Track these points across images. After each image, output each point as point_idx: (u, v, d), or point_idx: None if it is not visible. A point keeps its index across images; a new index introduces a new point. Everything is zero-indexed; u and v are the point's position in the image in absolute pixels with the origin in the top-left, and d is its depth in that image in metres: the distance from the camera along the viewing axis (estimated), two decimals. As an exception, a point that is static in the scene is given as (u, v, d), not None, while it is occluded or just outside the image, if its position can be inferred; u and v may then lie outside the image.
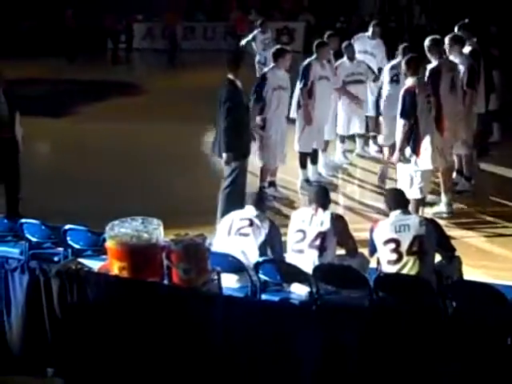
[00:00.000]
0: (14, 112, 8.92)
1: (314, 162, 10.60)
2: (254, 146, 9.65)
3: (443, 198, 9.16)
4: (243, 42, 16.94)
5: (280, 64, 9.71)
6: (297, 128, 10.29)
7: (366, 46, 12.12)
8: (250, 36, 16.62)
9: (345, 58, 11.26)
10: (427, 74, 9.04)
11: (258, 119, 9.59)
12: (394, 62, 10.59)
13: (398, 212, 6.27)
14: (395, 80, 10.19)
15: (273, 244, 6.59)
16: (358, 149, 11.87)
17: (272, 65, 9.86)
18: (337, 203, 9.63)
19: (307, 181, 10.31)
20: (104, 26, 24.45)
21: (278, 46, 10.33)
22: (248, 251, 6.50)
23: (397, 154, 8.57)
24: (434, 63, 9.12)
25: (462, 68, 9.46)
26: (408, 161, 8.53)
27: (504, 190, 10.01)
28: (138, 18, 26.20)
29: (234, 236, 6.62)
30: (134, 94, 18.33)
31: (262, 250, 6.56)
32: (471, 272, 6.59)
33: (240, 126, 8.63)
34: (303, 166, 10.39)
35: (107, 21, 24.27)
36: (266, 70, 9.92)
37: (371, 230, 6.30)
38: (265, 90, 9.59)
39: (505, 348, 5.25)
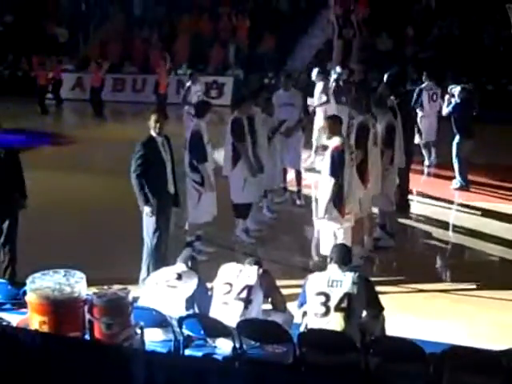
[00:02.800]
0: None
1: (247, 215, 10.58)
2: (189, 202, 9.67)
3: (355, 250, 9.25)
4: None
5: (204, 117, 9.79)
6: (235, 181, 10.32)
7: (284, 99, 12.31)
8: (186, 86, 16.65)
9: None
10: (355, 128, 9.24)
11: (197, 177, 9.61)
12: None
13: (335, 266, 6.34)
14: None
15: (200, 300, 6.62)
16: (283, 201, 11.95)
17: (196, 119, 9.85)
18: (265, 257, 9.69)
19: (247, 231, 10.36)
20: (33, 75, 24.20)
21: (201, 100, 10.36)
22: (174, 304, 6.49)
23: (323, 210, 8.68)
24: (360, 117, 9.32)
25: (379, 126, 9.69)
26: (333, 218, 8.65)
27: (424, 246, 10.21)
28: (67, 69, 26.06)
29: (162, 287, 6.61)
30: (62, 143, 18.14)
31: (189, 304, 6.57)
32: (394, 327, 6.66)
33: (157, 178, 8.62)
34: (244, 216, 10.41)
35: (36, 71, 24.04)
36: (193, 126, 9.81)
37: (306, 280, 6.35)
38: (204, 146, 9.58)
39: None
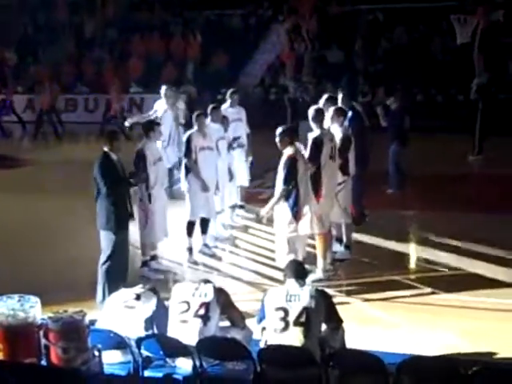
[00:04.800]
0: None
1: (204, 231, 10.60)
2: (138, 222, 9.61)
3: (319, 264, 9.31)
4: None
5: (152, 137, 9.75)
6: (186, 198, 10.34)
7: (233, 115, 12.30)
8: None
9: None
10: (310, 143, 9.29)
11: (144, 196, 9.55)
12: None
13: (292, 281, 6.35)
14: None
15: (159, 321, 6.59)
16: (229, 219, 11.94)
17: (144, 140, 9.77)
18: (221, 274, 9.67)
19: (190, 249, 10.32)
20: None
21: (148, 120, 10.27)
22: (133, 325, 6.45)
23: (266, 210, 8.79)
24: (316, 132, 9.38)
25: (338, 139, 9.74)
26: (287, 226, 8.68)
27: (380, 256, 10.29)
28: (17, 90, 25.79)
29: (120, 308, 6.58)
30: (14, 166, 17.91)
31: (148, 325, 6.54)
32: (353, 339, 6.68)
33: (116, 197, 8.60)
34: (189, 234, 10.38)
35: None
36: (139, 146, 9.68)
37: (264, 295, 6.36)
38: (146, 166, 9.50)
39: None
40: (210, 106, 11.43)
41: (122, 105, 22.23)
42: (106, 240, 8.61)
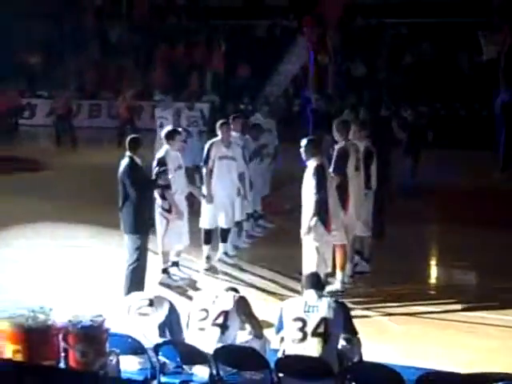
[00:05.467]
0: None
1: (224, 240, 10.61)
2: (158, 229, 9.66)
3: (338, 275, 9.28)
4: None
5: (173, 145, 9.76)
6: (202, 205, 10.37)
7: (262, 124, 12.35)
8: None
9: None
10: (335, 153, 9.27)
11: (165, 204, 9.57)
12: None
13: (311, 292, 6.33)
14: None
15: (171, 326, 6.60)
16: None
17: (166, 147, 9.76)
18: (240, 283, 9.67)
19: (208, 258, 10.33)
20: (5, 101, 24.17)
21: (170, 128, 10.29)
22: (147, 331, 6.46)
23: (306, 227, 8.68)
24: (341, 144, 9.37)
25: (361, 151, 9.74)
26: (318, 236, 8.65)
27: (400, 270, 10.25)
28: (41, 95, 26.01)
29: (134, 316, 6.57)
30: (36, 169, 18.02)
31: (161, 331, 6.54)
32: (371, 352, 6.65)
33: (144, 201, 8.68)
34: (206, 242, 10.39)
35: (9, 96, 24.04)
36: (161, 154, 9.67)
37: (282, 306, 6.34)
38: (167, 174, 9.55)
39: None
40: (232, 115, 11.50)
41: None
42: (133, 243, 8.67)
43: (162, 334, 6.56)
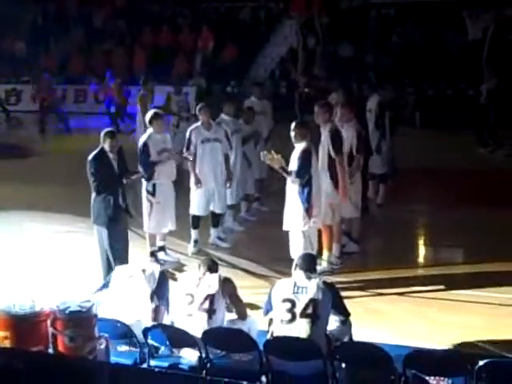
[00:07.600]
0: None
1: (215, 225, 10.59)
2: (144, 212, 9.64)
3: (324, 255, 9.31)
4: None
5: (156, 128, 9.71)
6: (191, 192, 10.36)
7: (257, 107, 12.31)
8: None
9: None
10: (329, 135, 9.27)
11: (149, 186, 9.58)
12: None
13: (301, 273, 6.34)
14: None
15: (162, 294, 6.68)
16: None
17: (150, 131, 9.74)
18: (230, 266, 9.66)
19: (195, 241, 10.32)
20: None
21: (152, 111, 10.21)
22: (139, 297, 6.58)
23: (292, 212, 8.71)
24: (332, 126, 9.38)
25: (346, 134, 9.74)
26: (301, 220, 8.66)
27: (388, 250, 10.28)
28: (26, 80, 25.82)
29: (125, 281, 6.71)
30: (23, 156, 17.93)
31: (153, 297, 6.66)
32: (360, 332, 6.69)
33: (107, 194, 8.58)
34: (194, 227, 10.37)
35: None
36: (144, 138, 9.70)
37: (271, 287, 6.36)
38: (151, 157, 9.55)
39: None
40: (225, 99, 11.45)
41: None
42: (98, 234, 8.68)
43: (153, 300, 6.63)
